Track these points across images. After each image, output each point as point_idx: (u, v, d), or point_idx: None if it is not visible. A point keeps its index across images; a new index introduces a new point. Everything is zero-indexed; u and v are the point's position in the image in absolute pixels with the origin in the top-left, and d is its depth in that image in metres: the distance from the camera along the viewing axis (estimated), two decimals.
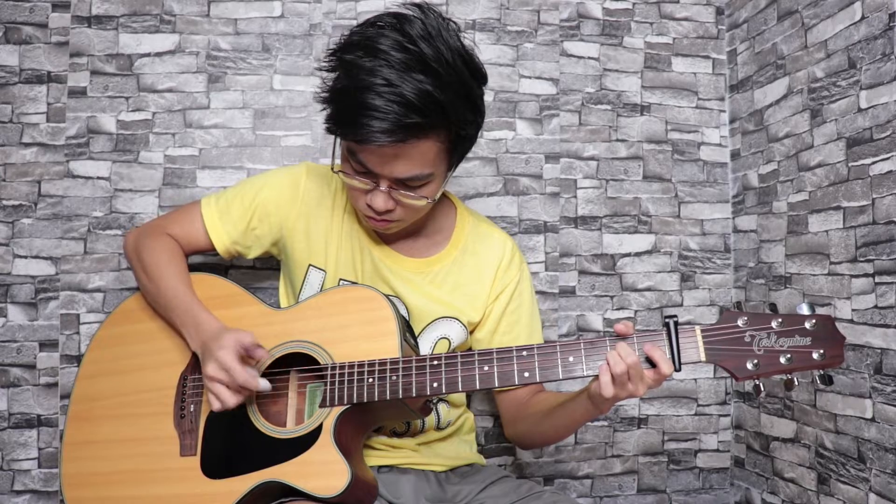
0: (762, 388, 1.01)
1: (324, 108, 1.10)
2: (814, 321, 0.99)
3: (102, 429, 1.21)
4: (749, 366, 1.00)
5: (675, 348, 1.02)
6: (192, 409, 1.18)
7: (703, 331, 1.02)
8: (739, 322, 1.01)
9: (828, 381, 0.98)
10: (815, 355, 0.98)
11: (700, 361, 1.02)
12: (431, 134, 1.06)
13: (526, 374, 1.06)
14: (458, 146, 1.13)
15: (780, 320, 1.00)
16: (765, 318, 1.01)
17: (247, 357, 1.11)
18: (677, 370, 1.02)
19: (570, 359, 1.05)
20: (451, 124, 1.08)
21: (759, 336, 1.00)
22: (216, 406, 1.10)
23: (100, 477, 1.18)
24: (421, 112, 1.02)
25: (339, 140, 1.12)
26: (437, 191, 1.15)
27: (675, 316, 1.03)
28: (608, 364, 1.02)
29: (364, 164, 1.09)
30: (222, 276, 1.29)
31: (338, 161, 1.16)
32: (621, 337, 1.04)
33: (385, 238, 1.28)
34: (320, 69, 1.12)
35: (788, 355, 0.99)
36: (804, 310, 1.00)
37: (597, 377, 1.04)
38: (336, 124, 1.08)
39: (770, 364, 0.99)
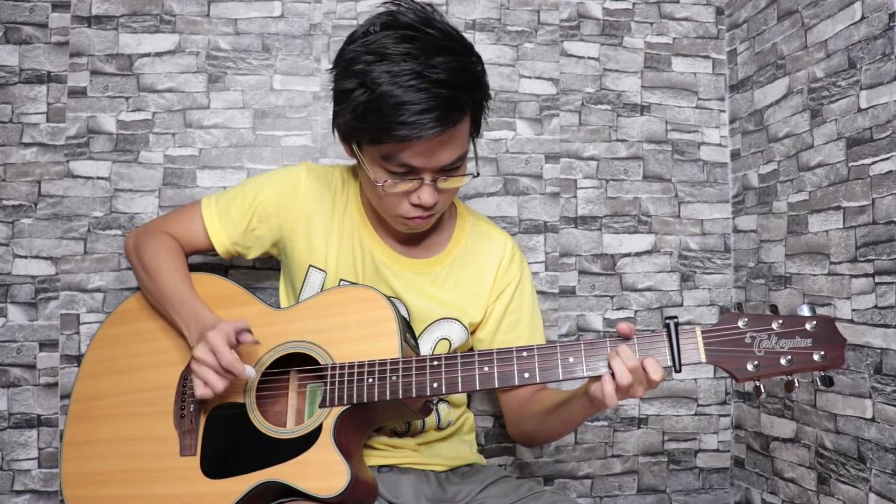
0: (762, 390, 1.01)
1: (344, 123, 1.09)
2: (814, 322, 0.99)
3: (103, 428, 1.21)
4: (749, 367, 0.99)
5: (675, 349, 1.02)
6: (192, 409, 1.18)
7: (703, 332, 1.02)
8: (740, 323, 1.01)
9: (828, 382, 0.98)
10: (815, 357, 0.98)
11: (700, 363, 1.01)
12: (467, 110, 1.09)
13: (526, 375, 1.05)
14: (479, 115, 1.15)
15: (780, 321, 1.00)
16: (765, 320, 1.00)
17: (236, 345, 1.11)
18: (677, 371, 1.02)
19: (571, 359, 1.04)
20: (483, 93, 1.11)
21: (759, 337, 1.00)
22: (200, 391, 1.09)
23: (100, 476, 1.18)
24: (463, 87, 1.04)
25: (364, 153, 1.12)
26: (472, 165, 1.17)
27: (676, 317, 1.03)
28: (613, 374, 1.01)
29: (407, 163, 1.08)
30: (222, 276, 1.29)
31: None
32: (622, 337, 1.04)
33: (386, 238, 1.28)
34: (332, 88, 1.12)
35: (789, 357, 0.99)
36: (805, 311, 1.00)
37: (596, 378, 1.04)
38: (380, 133, 1.05)
39: (770, 365, 0.99)
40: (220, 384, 1.09)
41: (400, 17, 1.06)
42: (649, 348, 1.03)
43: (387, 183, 1.11)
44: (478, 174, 1.17)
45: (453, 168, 1.12)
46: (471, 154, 1.16)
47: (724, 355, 1.01)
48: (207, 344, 1.08)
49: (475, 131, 1.17)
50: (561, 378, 1.05)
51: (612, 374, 1.01)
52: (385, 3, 1.10)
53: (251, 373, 1.11)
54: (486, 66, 1.14)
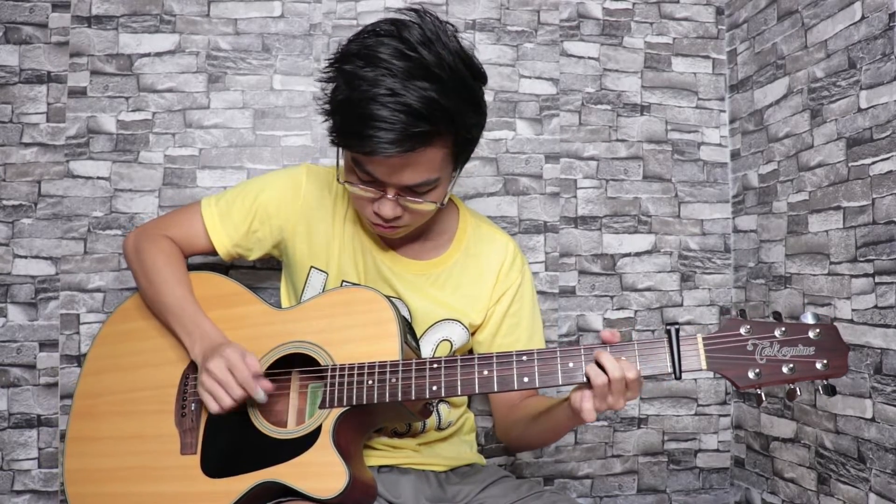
0: (763, 398, 1.00)
1: (325, 120, 1.10)
2: (818, 330, 0.97)
3: (105, 425, 1.21)
4: (751, 375, 0.98)
5: (675, 356, 1.01)
6: (192, 408, 1.18)
7: (704, 339, 1.00)
8: (742, 330, 0.99)
9: (830, 391, 0.96)
10: (818, 365, 0.96)
11: (701, 370, 1.00)
12: (438, 140, 1.06)
13: (525, 379, 1.05)
14: (463, 149, 1.13)
15: (783, 329, 0.98)
16: (768, 327, 0.99)
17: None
18: (677, 378, 1.01)
19: (570, 364, 1.04)
20: (458, 128, 1.07)
21: (761, 345, 0.99)
22: (214, 407, 1.10)
23: (101, 473, 1.18)
24: (427, 120, 1.01)
25: (341, 150, 1.12)
26: (445, 194, 1.15)
27: (677, 324, 1.02)
28: (588, 381, 1.00)
29: (371, 173, 1.08)
30: (224, 275, 1.29)
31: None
32: (606, 343, 1.03)
33: (387, 240, 1.28)
34: (320, 80, 1.11)
35: (791, 365, 0.97)
36: (808, 319, 0.98)
37: (577, 388, 1.04)
38: (341, 136, 1.06)
39: (772, 374, 0.97)
40: (228, 400, 1.09)
41: (403, 29, 1.04)
42: (650, 355, 1.02)
43: (350, 183, 1.11)
44: (443, 205, 1.15)
45: (419, 190, 1.10)
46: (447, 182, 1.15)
47: (726, 363, 0.99)
48: (225, 360, 1.09)
49: (457, 165, 1.15)
50: (560, 383, 1.04)
51: (588, 381, 1.00)
52: (401, 10, 1.08)
53: (262, 398, 1.11)
54: (486, 67, 1.13)
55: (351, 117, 1.03)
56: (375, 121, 1.00)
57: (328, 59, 1.10)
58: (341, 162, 1.14)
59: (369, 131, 1.00)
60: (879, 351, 1.29)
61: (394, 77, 1.00)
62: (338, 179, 1.14)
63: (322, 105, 1.10)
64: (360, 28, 1.10)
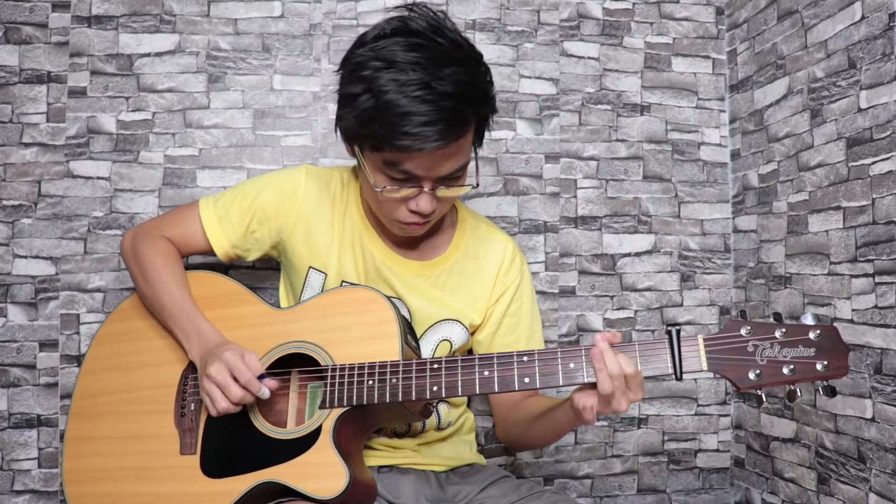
0: (764, 399, 1.00)
1: (348, 126, 1.09)
2: (818, 332, 0.97)
3: (104, 425, 1.21)
4: (751, 376, 0.98)
5: (676, 357, 1.01)
6: (192, 408, 1.18)
7: (705, 339, 1.00)
8: (742, 331, 0.99)
9: (831, 392, 0.96)
10: (818, 366, 0.96)
11: (702, 371, 1.00)
12: (472, 122, 1.07)
13: (526, 380, 1.05)
14: (484, 125, 1.14)
15: (783, 330, 0.98)
16: (768, 328, 0.99)
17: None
18: (678, 379, 1.01)
19: (571, 365, 1.04)
20: (490, 105, 1.10)
21: (762, 346, 0.99)
22: (214, 411, 1.10)
23: (100, 473, 1.18)
24: (468, 101, 1.03)
25: (364, 158, 1.11)
26: (473, 173, 1.15)
27: (677, 324, 1.03)
28: (599, 393, 1.01)
29: (409, 171, 1.07)
30: (224, 275, 1.29)
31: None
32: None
33: (386, 240, 1.27)
34: (336, 91, 1.11)
35: (791, 366, 0.97)
36: (809, 320, 0.98)
37: (580, 389, 1.04)
38: (383, 141, 1.04)
39: (773, 375, 0.98)
40: (225, 403, 1.09)
41: (411, 23, 1.04)
42: (651, 355, 1.02)
43: (386, 188, 1.10)
44: (477, 185, 1.15)
45: (453, 177, 1.11)
46: (472, 164, 1.15)
47: (726, 364, 0.99)
48: (223, 363, 1.08)
49: (478, 141, 1.15)
50: (561, 384, 1.04)
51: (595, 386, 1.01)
52: (397, 7, 1.08)
53: (266, 393, 1.11)
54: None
55: (389, 120, 1.01)
56: (418, 116, 0.99)
57: (340, 71, 1.09)
58: (369, 173, 1.12)
59: (415, 129, 1.00)
60: (879, 351, 1.29)
61: (423, 69, 1.00)
62: (375, 188, 1.11)
63: (346, 117, 1.09)
64: (363, 30, 1.10)
